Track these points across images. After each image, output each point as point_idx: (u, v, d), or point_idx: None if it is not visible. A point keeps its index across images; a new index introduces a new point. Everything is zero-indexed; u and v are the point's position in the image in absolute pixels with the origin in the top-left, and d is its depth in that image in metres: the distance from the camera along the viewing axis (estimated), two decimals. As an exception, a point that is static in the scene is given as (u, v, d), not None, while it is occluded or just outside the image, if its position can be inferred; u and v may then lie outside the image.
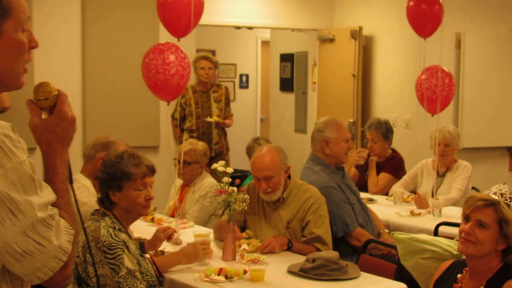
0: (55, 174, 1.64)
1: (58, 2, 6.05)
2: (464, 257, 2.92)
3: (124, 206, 3.15)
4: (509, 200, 2.78)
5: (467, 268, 2.87)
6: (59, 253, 1.54)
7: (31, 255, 1.50)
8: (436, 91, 5.27)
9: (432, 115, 5.34)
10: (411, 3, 5.41)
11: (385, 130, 5.84)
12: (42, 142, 1.65)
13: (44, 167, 1.66)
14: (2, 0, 1.52)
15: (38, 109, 1.66)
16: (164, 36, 4.50)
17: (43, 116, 1.67)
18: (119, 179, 3.12)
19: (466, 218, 2.82)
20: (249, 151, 5.36)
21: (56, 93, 1.67)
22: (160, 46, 4.26)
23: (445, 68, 5.36)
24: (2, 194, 1.46)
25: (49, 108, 1.67)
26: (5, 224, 1.47)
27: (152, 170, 3.22)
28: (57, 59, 6.10)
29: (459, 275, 2.88)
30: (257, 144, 5.18)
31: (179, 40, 4.37)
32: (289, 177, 4.06)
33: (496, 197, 2.80)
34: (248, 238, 3.90)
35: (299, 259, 3.56)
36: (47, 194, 1.55)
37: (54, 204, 1.57)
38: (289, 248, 3.85)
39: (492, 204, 2.76)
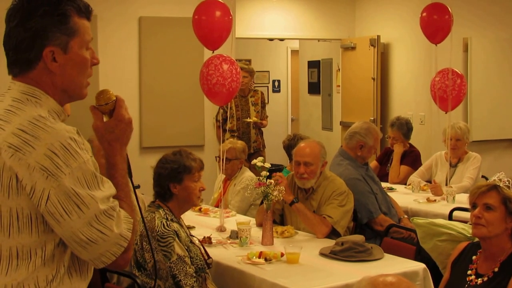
0: (116, 170, 1.63)
1: (118, 24, 6.11)
2: (477, 239, 2.83)
3: (182, 197, 3.13)
4: (508, 182, 2.71)
5: (481, 250, 2.78)
6: (120, 240, 1.53)
7: (95, 243, 1.49)
8: (447, 90, 5.15)
9: (446, 112, 5.21)
10: (424, 14, 5.30)
11: (406, 131, 5.73)
12: (104, 142, 1.64)
13: (106, 163, 1.64)
14: (69, 22, 1.55)
15: (99, 113, 1.65)
16: (208, 50, 4.41)
17: (104, 119, 1.66)
18: (181, 172, 3.11)
19: (474, 205, 2.75)
20: (290, 144, 5.13)
21: (115, 98, 1.65)
22: (216, 57, 4.15)
23: (457, 70, 5.23)
24: (69, 190, 1.45)
25: (109, 112, 1.65)
26: (72, 217, 1.46)
27: (203, 165, 3.24)
28: (118, 71, 6.13)
29: (474, 257, 2.80)
30: (298, 139, 5.00)
31: (213, 52, 4.27)
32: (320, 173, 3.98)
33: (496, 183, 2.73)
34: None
35: (330, 243, 3.50)
36: (108, 188, 1.54)
37: (114, 197, 1.56)
38: (293, 203, 3.78)
39: (493, 187, 2.70)
